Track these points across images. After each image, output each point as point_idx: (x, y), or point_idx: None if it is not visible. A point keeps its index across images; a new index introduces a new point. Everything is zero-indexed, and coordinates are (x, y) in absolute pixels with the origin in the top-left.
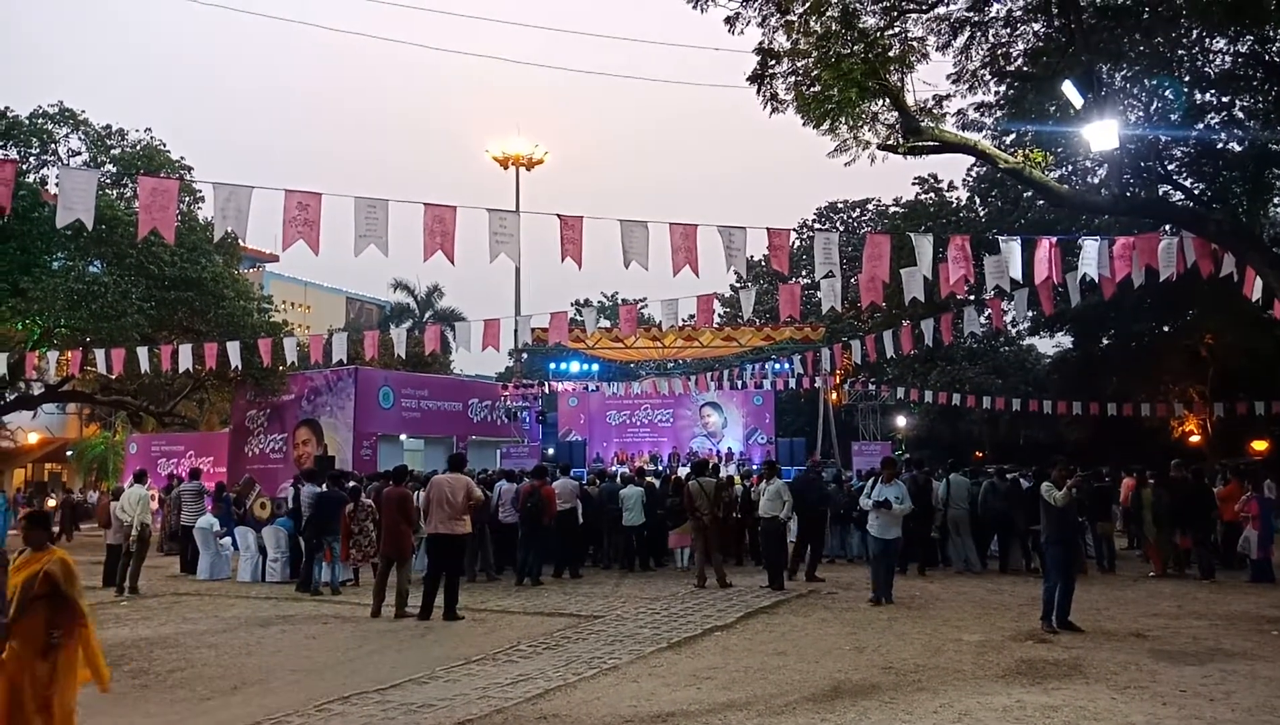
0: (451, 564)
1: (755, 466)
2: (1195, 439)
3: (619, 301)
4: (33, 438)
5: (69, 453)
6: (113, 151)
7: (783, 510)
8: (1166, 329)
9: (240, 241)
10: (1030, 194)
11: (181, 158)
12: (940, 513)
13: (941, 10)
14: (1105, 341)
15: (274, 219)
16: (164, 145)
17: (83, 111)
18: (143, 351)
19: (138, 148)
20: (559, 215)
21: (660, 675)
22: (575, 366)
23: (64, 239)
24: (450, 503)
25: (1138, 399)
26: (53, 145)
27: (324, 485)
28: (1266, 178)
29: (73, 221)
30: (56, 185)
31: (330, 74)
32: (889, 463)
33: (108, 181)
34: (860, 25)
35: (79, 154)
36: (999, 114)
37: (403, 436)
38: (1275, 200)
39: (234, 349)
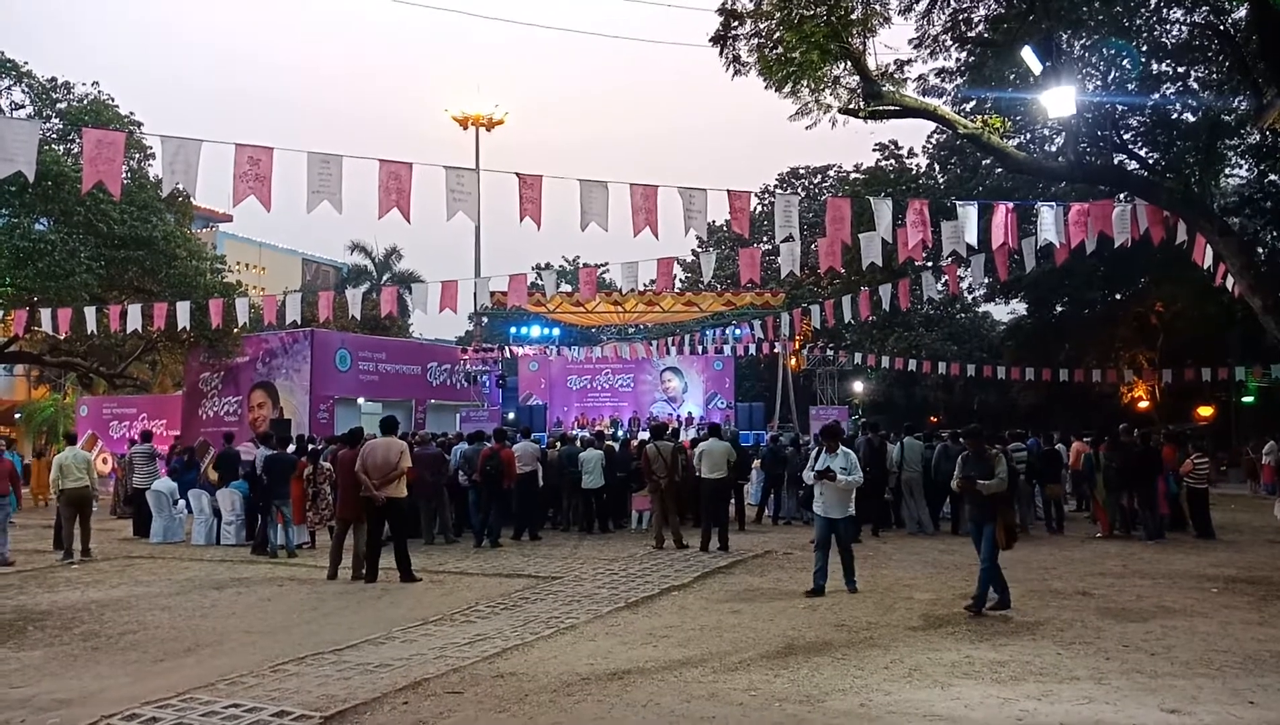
0: (394, 527)
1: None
2: (1144, 405)
3: (580, 265)
4: None
5: (17, 415)
6: (58, 105)
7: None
8: (1118, 297)
9: (191, 199)
10: (989, 161)
11: (131, 113)
12: (894, 475)
13: None
14: (1059, 309)
15: (226, 177)
16: (112, 100)
17: (25, 63)
18: (90, 311)
19: (84, 102)
20: (518, 174)
21: (617, 634)
22: (536, 331)
23: (8, 195)
24: (383, 466)
25: (1089, 365)
26: None
27: (273, 448)
28: (1218, 148)
29: (15, 176)
30: None
31: (284, 34)
32: (829, 431)
33: (54, 136)
34: None
35: (22, 107)
36: (959, 80)
37: (360, 400)
38: (1226, 170)
39: (184, 309)
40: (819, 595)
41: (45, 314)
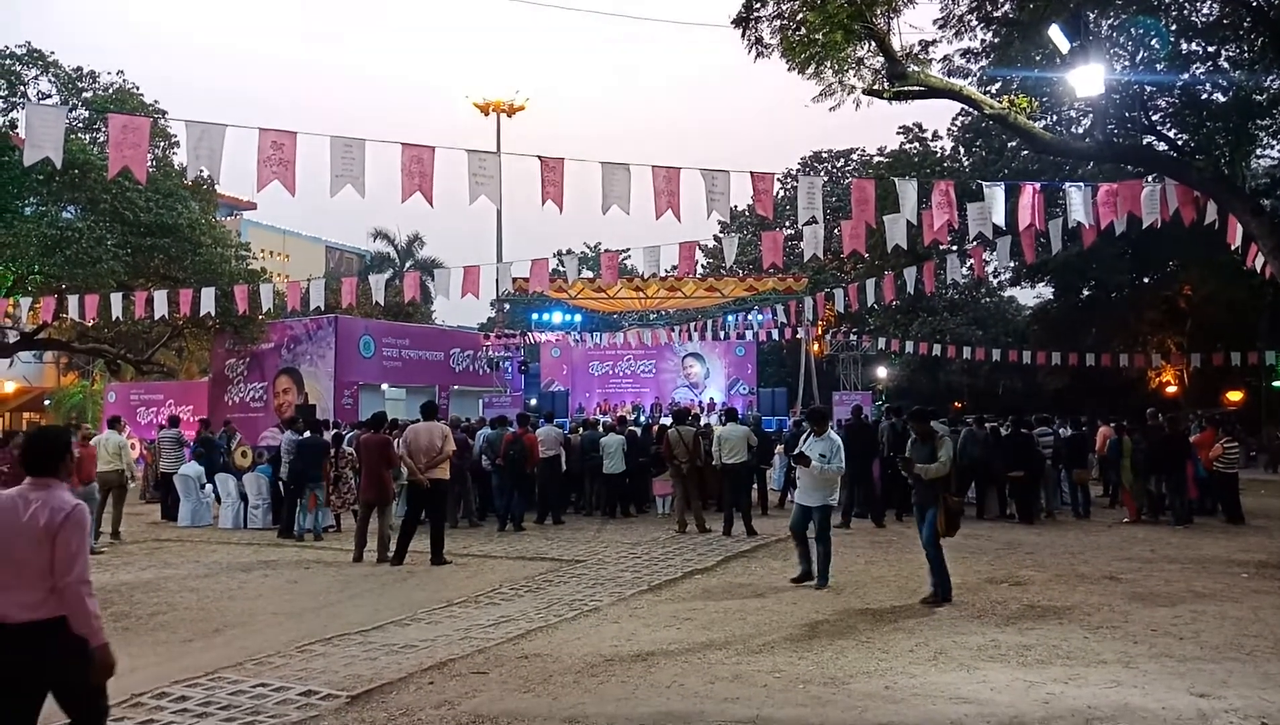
0: (433, 510)
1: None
2: (1172, 389)
3: (601, 251)
4: (9, 387)
5: (46, 402)
6: (84, 94)
7: (747, 456)
8: (1146, 281)
9: (215, 186)
10: (1015, 143)
11: (155, 101)
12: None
13: None
14: (1085, 292)
15: (250, 164)
16: (137, 88)
17: (52, 53)
18: (117, 298)
19: (110, 91)
20: (540, 156)
21: (641, 617)
22: (558, 317)
23: (36, 184)
24: (428, 450)
25: (1116, 349)
26: (21, 87)
27: (304, 432)
28: (1250, 129)
29: (44, 166)
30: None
31: (308, 25)
32: (815, 413)
33: (80, 125)
34: None
35: (49, 97)
36: (985, 61)
37: (384, 385)
38: (1258, 151)
39: (209, 296)
40: (808, 579)
41: (73, 301)
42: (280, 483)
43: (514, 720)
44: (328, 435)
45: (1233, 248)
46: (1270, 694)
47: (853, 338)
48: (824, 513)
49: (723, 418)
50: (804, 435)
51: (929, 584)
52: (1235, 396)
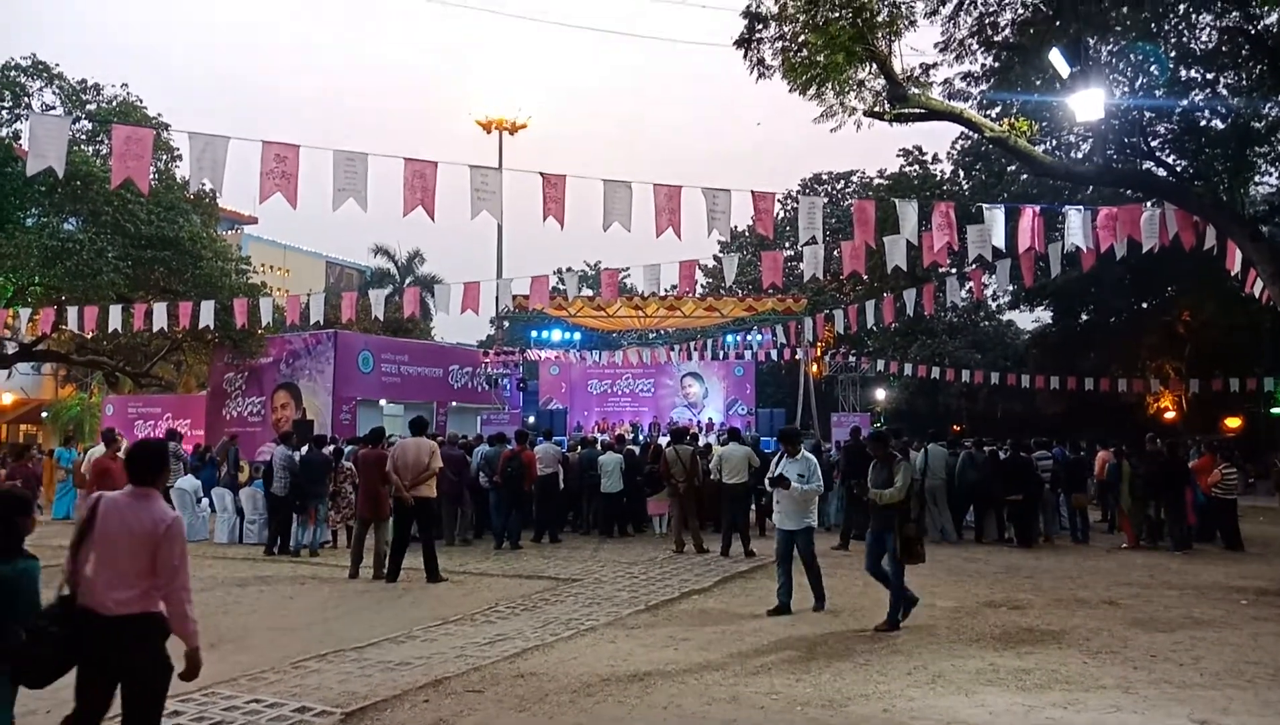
0: (423, 527)
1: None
2: (1170, 415)
3: (601, 269)
4: (7, 398)
5: (44, 414)
6: (88, 106)
7: (748, 477)
8: (1145, 306)
9: (217, 198)
10: (1014, 167)
11: (159, 115)
12: (917, 482)
13: None
14: (1084, 317)
15: (252, 178)
16: (140, 101)
17: (56, 65)
18: (116, 310)
19: (114, 103)
20: (542, 173)
21: (637, 637)
22: (557, 335)
23: (38, 195)
24: (415, 466)
25: (1115, 374)
26: (25, 99)
27: (305, 448)
28: (1248, 156)
29: (46, 177)
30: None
31: (312, 34)
32: (787, 434)
33: (83, 137)
34: None
35: (53, 109)
36: (985, 85)
37: (382, 401)
38: (1256, 178)
39: (208, 309)
40: (784, 613)
41: (72, 313)
42: (269, 497)
43: None
44: (327, 450)
45: (1232, 273)
46: (1271, 721)
47: (851, 359)
48: (806, 535)
49: (723, 438)
50: (777, 458)
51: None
52: (1234, 422)
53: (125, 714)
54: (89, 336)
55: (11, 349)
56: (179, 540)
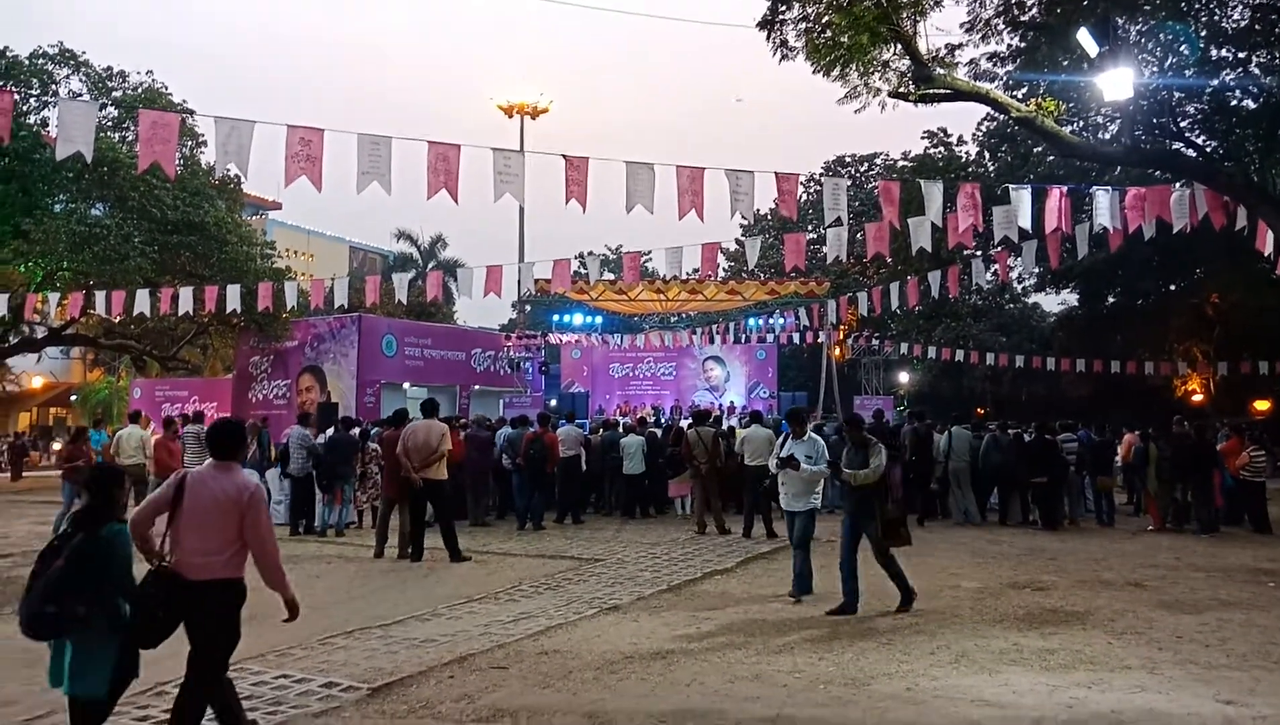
0: (439, 510)
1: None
2: (1198, 398)
3: (623, 253)
4: (37, 382)
5: (73, 397)
6: (114, 93)
7: (772, 459)
8: (1173, 288)
9: (241, 183)
10: (1040, 148)
11: (184, 101)
12: (941, 465)
13: None
14: (1111, 299)
15: (277, 162)
16: (165, 88)
17: (83, 53)
18: (143, 295)
19: (139, 90)
20: (564, 155)
21: (660, 616)
22: (578, 318)
23: (66, 181)
24: (423, 448)
25: (1142, 357)
26: (53, 86)
27: (332, 430)
28: None
29: (74, 163)
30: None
31: (331, 22)
32: (794, 415)
33: (109, 124)
34: None
35: (80, 95)
36: (1011, 66)
37: (406, 384)
38: None
39: (234, 293)
40: (806, 594)
41: (100, 297)
42: (287, 478)
43: (533, 715)
44: (354, 432)
45: (1265, 254)
46: None
47: (875, 342)
48: (807, 518)
49: (745, 421)
50: (782, 439)
51: (900, 594)
52: (1263, 405)
53: (187, 670)
54: (116, 321)
55: (41, 333)
56: (262, 505)
